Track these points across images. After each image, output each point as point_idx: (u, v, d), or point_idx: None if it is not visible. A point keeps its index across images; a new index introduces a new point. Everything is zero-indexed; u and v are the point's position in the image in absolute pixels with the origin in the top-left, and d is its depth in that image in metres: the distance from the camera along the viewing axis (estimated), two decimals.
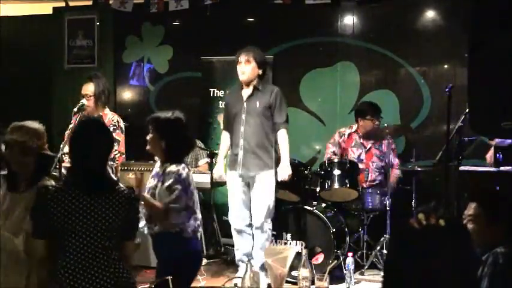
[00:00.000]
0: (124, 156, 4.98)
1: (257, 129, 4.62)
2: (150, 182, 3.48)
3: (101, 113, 4.97)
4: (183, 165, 3.41)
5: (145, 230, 3.50)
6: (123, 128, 5.01)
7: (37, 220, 2.59)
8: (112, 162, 4.80)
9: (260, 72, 4.70)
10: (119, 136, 4.91)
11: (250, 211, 4.72)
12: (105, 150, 2.75)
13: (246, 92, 4.71)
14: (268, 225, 4.69)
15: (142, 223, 3.45)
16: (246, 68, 4.67)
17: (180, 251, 3.37)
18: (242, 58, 4.69)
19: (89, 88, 4.92)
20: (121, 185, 2.75)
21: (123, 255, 2.66)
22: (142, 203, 3.29)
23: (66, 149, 4.87)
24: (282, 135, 4.66)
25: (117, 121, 4.97)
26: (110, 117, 4.99)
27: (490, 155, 4.67)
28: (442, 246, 1.67)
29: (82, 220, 2.54)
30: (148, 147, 3.53)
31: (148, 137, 3.50)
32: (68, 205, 2.54)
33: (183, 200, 3.36)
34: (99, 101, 4.92)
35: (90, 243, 2.54)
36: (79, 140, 2.71)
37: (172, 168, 3.35)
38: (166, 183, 3.32)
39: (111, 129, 4.77)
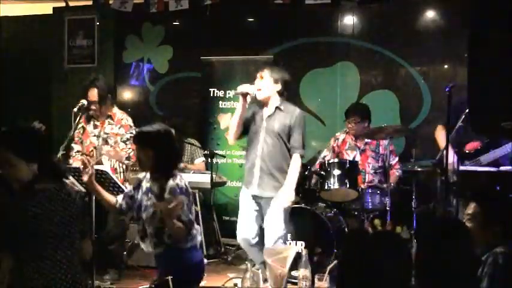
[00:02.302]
0: None
1: (275, 151, 4.39)
2: (144, 198, 3.44)
3: (110, 113, 5.01)
4: (178, 176, 3.37)
5: (145, 248, 3.46)
6: (133, 126, 5.04)
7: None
8: (128, 161, 4.92)
9: (278, 88, 4.44)
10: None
11: (259, 228, 4.54)
12: (40, 152, 2.70)
13: (267, 110, 4.47)
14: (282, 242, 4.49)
15: (143, 245, 3.45)
16: (260, 83, 4.44)
17: (181, 264, 3.35)
18: (257, 75, 4.48)
19: (93, 93, 4.93)
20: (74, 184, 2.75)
21: (82, 255, 2.65)
22: (169, 227, 3.26)
23: (77, 147, 4.98)
24: (294, 159, 4.39)
25: (127, 120, 5.02)
26: (119, 116, 5.03)
27: None
28: (391, 251, 1.81)
29: (49, 224, 2.52)
30: (138, 163, 3.47)
31: (137, 154, 3.43)
32: (36, 211, 2.50)
33: (191, 211, 3.37)
34: (103, 105, 4.95)
35: (59, 249, 2.53)
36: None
37: (170, 183, 3.32)
38: (174, 205, 3.24)
39: (121, 130, 4.87)
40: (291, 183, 4.32)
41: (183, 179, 3.39)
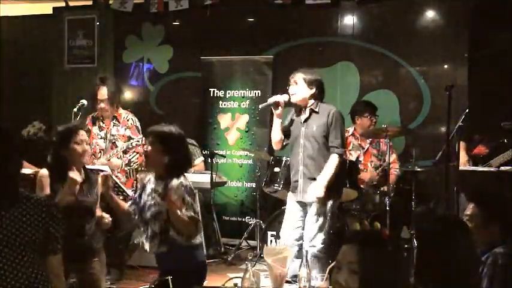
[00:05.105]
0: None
1: (315, 154, 4.37)
2: (149, 199, 3.45)
3: (115, 114, 5.04)
4: (182, 176, 3.40)
5: (149, 248, 3.45)
6: (139, 127, 5.06)
7: None
8: (128, 167, 4.96)
9: (313, 91, 4.42)
10: (136, 135, 4.98)
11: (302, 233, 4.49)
12: (6, 161, 2.47)
13: (304, 115, 4.46)
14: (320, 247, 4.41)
15: (147, 245, 3.44)
16: (294, 88, 4.43)
17: (184, 264, 3.36)
18: (291, 80, 4.46)
19: (102, 92, 4.95)
20: (36, 194, 2.62)
21: (50, 272, 2.46)
22: (175, 219, 3.28)
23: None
24: (332, 159, 4.32)
25: (132, 120, 5.05)
26: (124, 116, 5.06)
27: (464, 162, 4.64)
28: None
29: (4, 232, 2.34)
30: (146, 160, 3.49)
31: (147, 150, 3.43)
32: None
33: (195, 210, 3.38)
34: (114, 103, 4.98)
35: (5, 259, 2.36)
36: None
37: (175, 182, 3.35)
38: (175, 198, 3.29)
39: (127, 131, 4.92)
40: (321, 179, 4.28)
41: (187, 179, 3.42)
